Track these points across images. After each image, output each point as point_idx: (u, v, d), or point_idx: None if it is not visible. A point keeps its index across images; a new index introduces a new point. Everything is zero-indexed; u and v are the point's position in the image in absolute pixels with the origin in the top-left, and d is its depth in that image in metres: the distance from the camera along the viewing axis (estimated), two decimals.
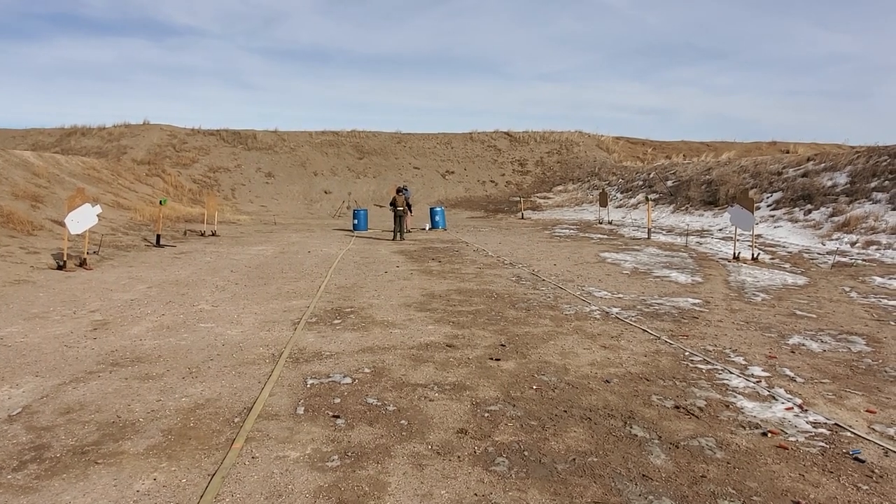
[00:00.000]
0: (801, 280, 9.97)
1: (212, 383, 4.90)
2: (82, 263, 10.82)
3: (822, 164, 18.73)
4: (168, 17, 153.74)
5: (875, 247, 12.76)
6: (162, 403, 4.46)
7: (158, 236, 14.88)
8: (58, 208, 14.91)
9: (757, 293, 8.83)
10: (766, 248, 13.58)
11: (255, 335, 6.43)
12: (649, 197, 20.91)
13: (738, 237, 13.04)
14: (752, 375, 5.14)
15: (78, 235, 11.30)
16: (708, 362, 5.50)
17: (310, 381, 4.94)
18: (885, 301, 8.24)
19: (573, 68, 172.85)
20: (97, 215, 11.38)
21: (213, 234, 17.76)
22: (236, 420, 4.16)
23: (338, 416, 4.22)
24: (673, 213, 21.53)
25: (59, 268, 10.36)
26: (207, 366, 5.36)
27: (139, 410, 4.32)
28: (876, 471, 3.47)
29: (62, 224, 11.56)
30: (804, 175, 18.55)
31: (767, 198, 18.56)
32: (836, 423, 4.13)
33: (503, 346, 6.02)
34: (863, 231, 13.93)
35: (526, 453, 3.69)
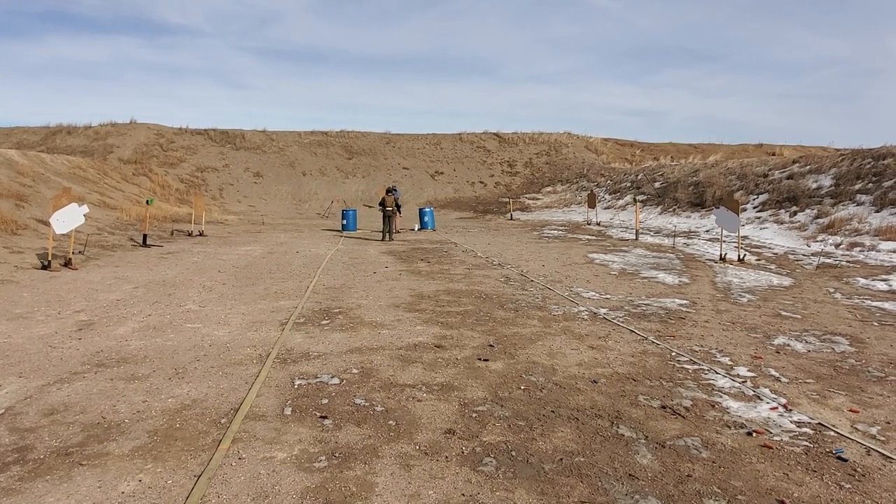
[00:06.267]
0: (787, 281, 10.07)
1: (198, 384, 4.87)
2: (67, 263, 10.71)
3: (808, 167, 18.93)
4: (161, 16, 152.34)
5: (859, 248, 12.92)
6: (148, 404, 4.42)
7: (145, 236, 14.75)
8: (43, 208, 14.75)
9: (743, 294, 8.91)
10: (753, 250, 13.71)
11: (243, 336, 6.40)
12: (637, 198, 21.03)
13: (724, 238, 13.15)
14: (738, 375, 5.19)
15: (63, 235, 11.19)
16: (694, 362, 5.54)
17: (297, 382, 4.93)
18: (869, 302, 8.35)
19: (564, 70, 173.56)
20: (83, 215, 11.26)
21: (201, 234, 17.64)
22: (223, 421, 4.14)
23: (325, 417, 4.21)
24: (660, 214, 21.67)
25: (44, 268, 10.24)
26: (194, 366, 5.32)
27: (124, 411, 4.28)
28: (858, 469, 3.52)
29: (47, 223, 11.45)
30: (790, 177, 18.75)
31: (754, 199, 18.73)
32: (819, 423, 4.18)
33: (491, 346, 6.04)
34: (847, 233, 14.10)
35: (513, 453, 3.70)
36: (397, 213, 18.43)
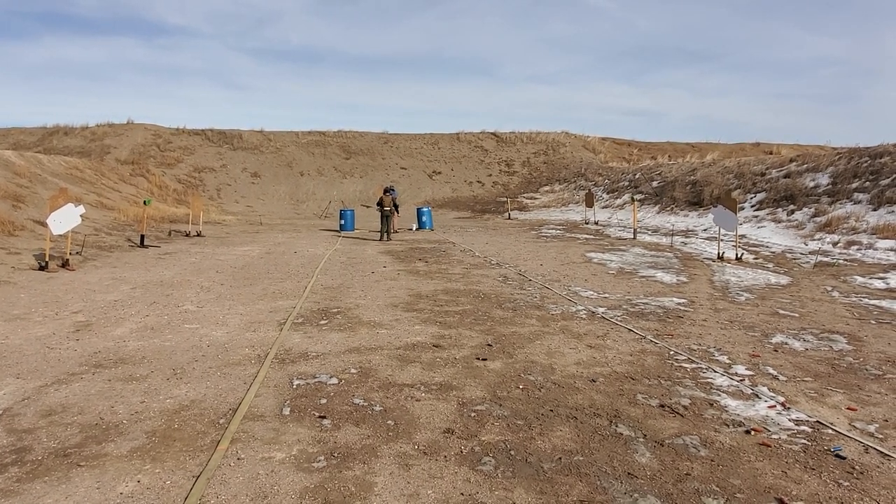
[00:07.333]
0: (784, 280, 10.09)
1: (197, 384, 4.86)
2: (65, 264, 10.69)
3: (805, 165, 18.96)
4: (159, 16, 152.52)
5: (856, 246, 12.94)
6: (146, 405, 4.41)
7: (142, 237, 14.73)
8: (40, 208, 14.70)
9: (741, 293, 8.92)
10: (750, 248, 13.72)
11: (241, 336, 6.39)
12: (635, 197, 21.02)
13: (722, 237, 13.16)
14: (736, 374, 5.19)
15: (60, 236, 11.16)
16: (692, 361, 5.55)
17: (296, 382, 4.92)
18: (866, 300, 8.37)
19: (563, 70, 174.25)
20: (80, 215, 11.24)
21: (199, 235, 17.61)
22: (221, 421, 4.13)
23: (324, 417, 4.20)
24: (658, 213, 21.69)
25: (41, 269, 10.22)
26: (192, 367, 5.31)
27: (123, 412, 4.27)
28: (856, 467, 3.53)
29: (44, 224, 11.42)
30: (787, 176, 18.78)
31: (751, 198, 18.76)
32: (817, 421, 4.19)
33: (490, 345, 6.04)
34: (844, 231, 14.12)
35: (512, 452, 3.70)
36: (395, 213, 18.43)
